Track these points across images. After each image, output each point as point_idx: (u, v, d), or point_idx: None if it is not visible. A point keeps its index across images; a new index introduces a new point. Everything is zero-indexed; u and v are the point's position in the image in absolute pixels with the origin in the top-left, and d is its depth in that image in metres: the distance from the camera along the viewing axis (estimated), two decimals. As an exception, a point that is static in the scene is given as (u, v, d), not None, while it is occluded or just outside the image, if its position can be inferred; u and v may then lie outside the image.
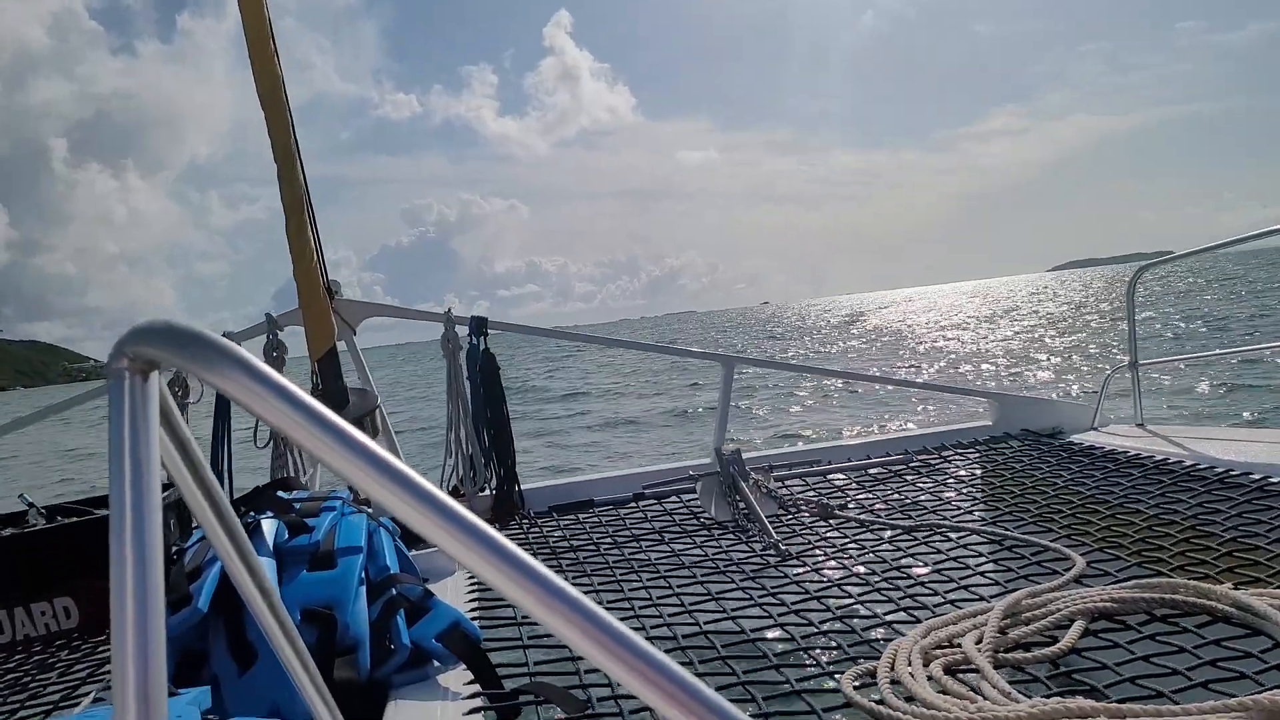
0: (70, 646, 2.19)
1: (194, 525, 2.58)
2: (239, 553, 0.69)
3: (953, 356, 23.06)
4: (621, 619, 1.84)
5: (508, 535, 2.74)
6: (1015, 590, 1.76)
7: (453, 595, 2.12)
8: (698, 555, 2.34)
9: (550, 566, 2.25)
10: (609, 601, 2.01)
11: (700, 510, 2.77)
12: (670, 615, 1.91)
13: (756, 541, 2.41)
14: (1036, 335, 27.08)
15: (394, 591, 1.72)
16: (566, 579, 1.96)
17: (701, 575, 2.17)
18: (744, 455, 2.91)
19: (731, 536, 2.50)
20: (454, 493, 3.21)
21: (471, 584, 2.21)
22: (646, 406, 17.87)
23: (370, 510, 2.09)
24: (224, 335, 3.14)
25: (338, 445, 0.49)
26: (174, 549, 1.87)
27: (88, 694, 1.84)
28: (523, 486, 3.16)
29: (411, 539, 2.67)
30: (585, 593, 2.00)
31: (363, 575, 1.76)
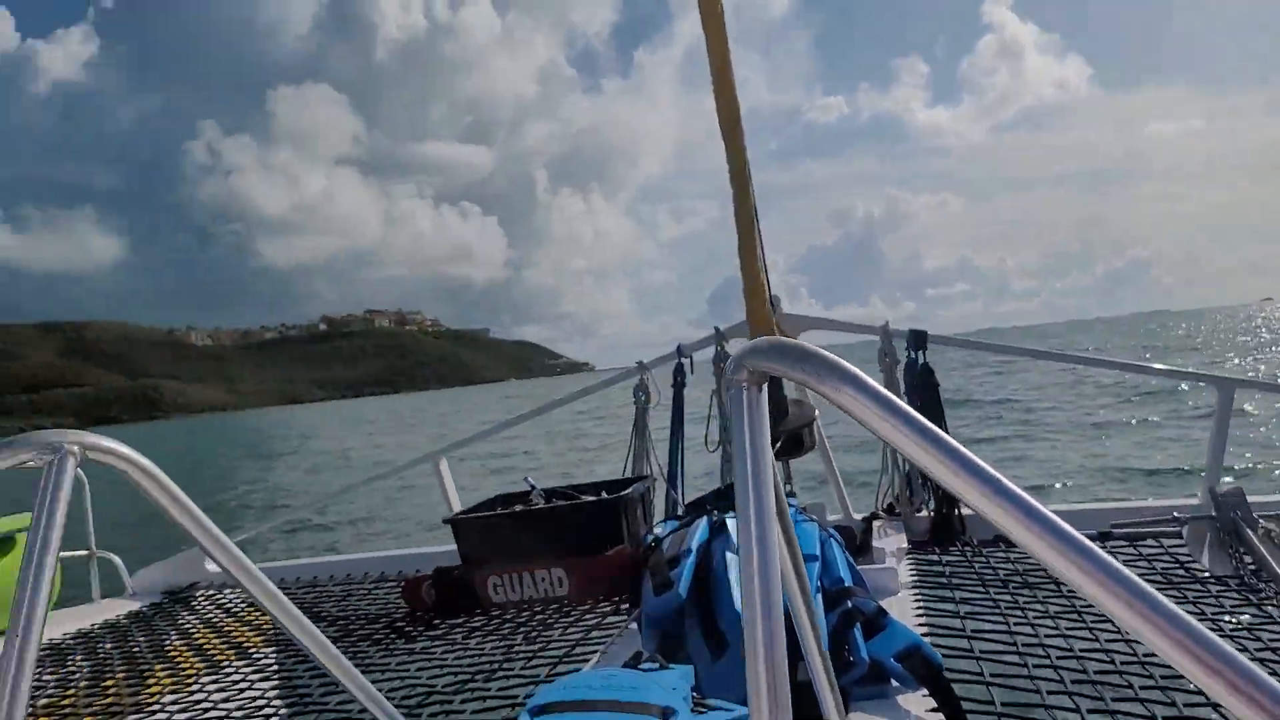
0: (563, 612, 2.57)
1: (664, 516, 2.88)
2: (791, 554, 0.75)
3: None
4: (1075, 680, 1.64)
5: (949, 560, 2.63)
6: None
7: (898, 616, 2.08)
8: (1192, 612, 2.01)
9: (1003, 600, 2.10)
10: (1080, 649, 1.81)
11: (1188, 560, 2.38)
12: (1141, 689, 1.65)
13: (1273, 606, 2.00)
14: None
15: (850, 604, 1.74)
16: (1025, 617, 1.81)
17: None
18: (1250, 499, 2.44)
19: (1235, 596, 2.11)
20: (889, 510, 3.17)
21: (919, 607, 2.16)
22: (1109, 431, 15.87)
23: (819, 520, 2.14)
24: (679, 347, 3.46)
25: (949, 461, 0.51)
26: (650, 537, 2.10)
27: (584, 654, 2.14)
28: (964, 510, 3.00)
29: (854, 554, 2.69)
30: (1050, 636, 1.83)
31: (818, 584, 1.81)
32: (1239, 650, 1.69)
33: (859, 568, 2.14)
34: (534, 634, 2.38)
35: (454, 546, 2.90)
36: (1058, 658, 1.72)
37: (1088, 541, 0.50)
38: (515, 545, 2.72)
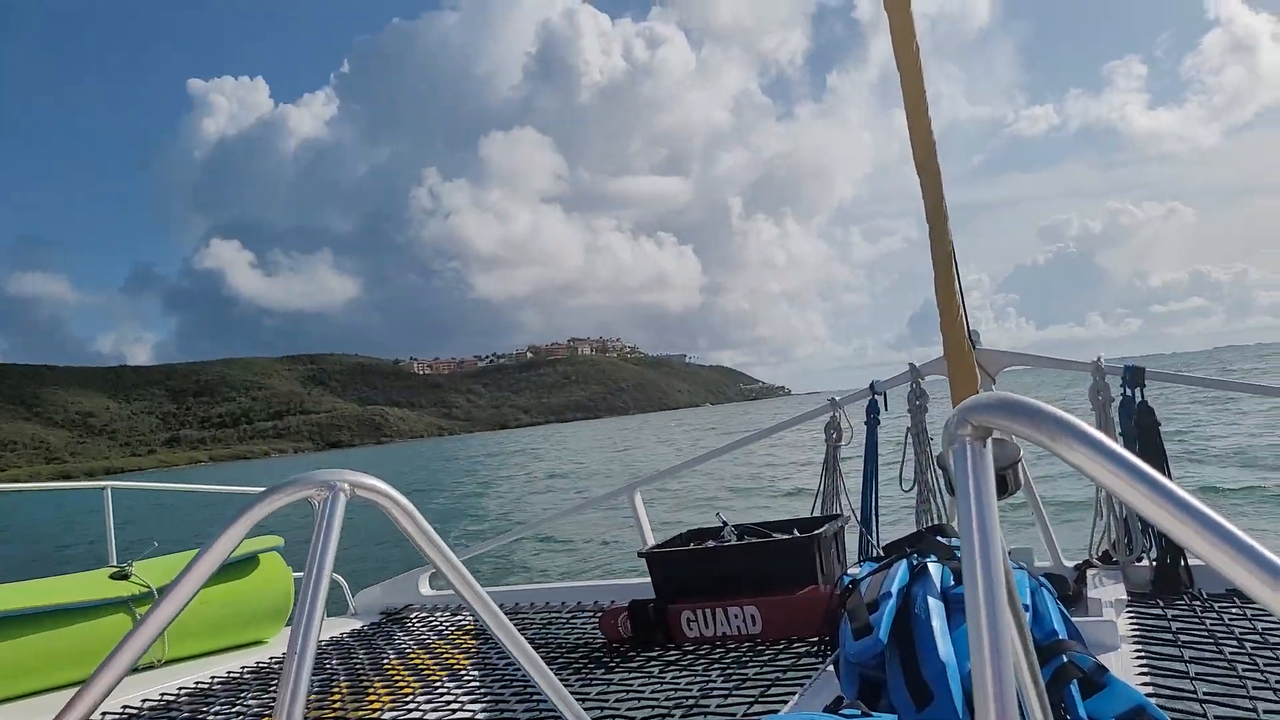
0: (755, 650, 2.59)
1: (859, 559, 2.85)
2: (1012, 608, 0.76)
3: None
4: None
5: (1175, 616, 2.42)
6: None
7: (1117, 674, 1.95)
8: None
9: (1240, 662, 1.92)
10: None
11: None
12: None
13: None
14: None
15: (1065, 658, 1.66)
16: (1263, 683, 1.66)
17: None
18: None
19: None
20: (1104, 558, 2.96)
21: (1141, 664, 2.01)
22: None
23: (1027, 568, 2.05)
24: (872, 384, 3.41)
25: (1195, 524, 0.51)
26: (848, 578, 2.09)
27: (779, 695, 2.15)
28: (1192, 560, 2.75)
29: (1065, 604, 2.53)
30: None
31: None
32: None
33: (1073, 620, 2.03)
34: (729, 671, 2.41)
35: (649, 579, 3.00)
36: None
37: None
38: (709, 581, 2.78)
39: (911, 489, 3.23)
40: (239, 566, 3.41)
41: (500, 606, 3.80)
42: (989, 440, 0.63)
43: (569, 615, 3.38)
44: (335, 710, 2.51)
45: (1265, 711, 1.66)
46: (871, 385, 3.45)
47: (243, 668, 3.13)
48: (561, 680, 2.57)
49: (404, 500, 1.16)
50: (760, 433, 3.89)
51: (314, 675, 2.92)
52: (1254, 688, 1.79)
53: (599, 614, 3.00)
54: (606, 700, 2.29)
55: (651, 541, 3.30)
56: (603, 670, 2.61)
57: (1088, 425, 0.57)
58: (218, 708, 2.65)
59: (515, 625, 3.48)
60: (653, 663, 2.62)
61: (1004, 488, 3.04)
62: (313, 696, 2.66)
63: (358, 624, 3.63)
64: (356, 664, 2.99)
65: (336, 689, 2.71)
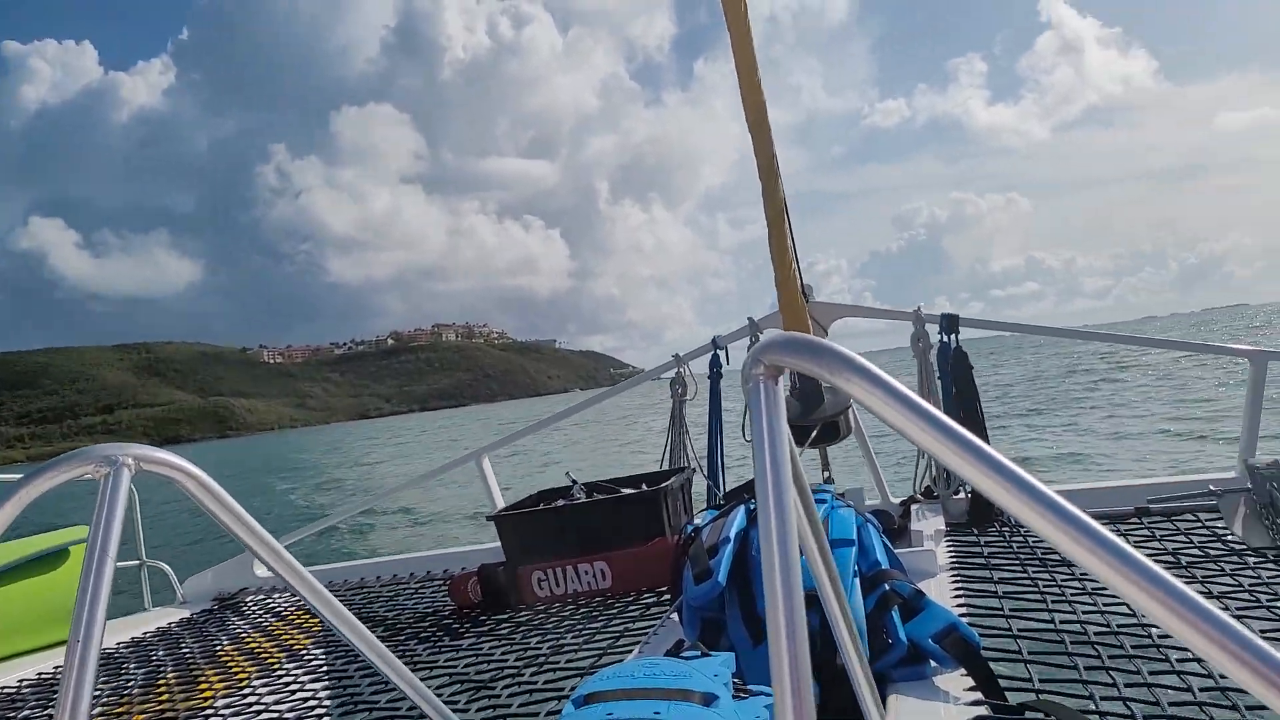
0: (606, 604, 2.64)
1: (706, 507, 2.93)
2: (816, 540, 0.80)
3: None
4: (1140, 648, 1.67)
5: (988, 541, 2.64)
6: None
7: (936, 598, 2.11)
8: (1228, 584, 2.02)
9: (1041, 579, 2.12)
10: (1118, 625, 1.83)
11: (1225, 533, 2.38)
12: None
13: (1313, 577, 2.00)
14: None
15: (887, 587, 1.77)
16: (1063, 594, 1.84)
17: (1237, 608, 1.87)
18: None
19: (1274, 567, 2.11)
20: (926, 493, 3.19)
21: (957, 589, 2.18)
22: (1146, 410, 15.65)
23: (855, 505, 2.17)
24: (714, 339, 3.51)
25: (953, 445, 0.55)
26: (690, 527, 2.14)
27: (627, 645, 2.20)
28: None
29: (892, 538, 2.71)
30: (1087, 613, 1.85)
31: (855, 568, 1.85)
32: (1274, 617, 1.71)
33: (896, 551, 2.17)
34: (579, 627, 2.44)
35: (498, 544, 2.98)
36: (1095, 634, 1.74)
37: (1094, 524, 0.52)
38: (558, 540, 2.79)
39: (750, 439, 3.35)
40: (46, 561, 3.12)
41: (345, 583, 3.66)
42: (780, 379, 0.65)
43: (418, 585, 3.32)
44: (162, 703, 2.35)
45: (1061, 622, 1.84)
46: (714, 340, 3.55)
47: (55, 668, 2.88)
48: (410, 650, 2.53)
49: (202, 474, 1.07)
50: (606, 391, 3.93)
51: (138, 669, 2.72)
52: (1052, 601, 1.98)
53: (448, 582, 2.96)
54: (455, 666, 2.27)
55: (501, 505, 3.28)
56: (452, 637, 2.58)
57: (868, 361, 0.60)
58: (25, 712, 2.43)
59: (363, 600, 3.36)
60: (504, 625, 2.61)
61: (836, 432, 3.22)
62: (136, 691, 2.48)
63: (186, 613, 3.42)
64: (186, 654, 2.81)
65: (163, 681, 2.54)
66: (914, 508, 3.08)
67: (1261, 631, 1.73)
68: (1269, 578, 2.05)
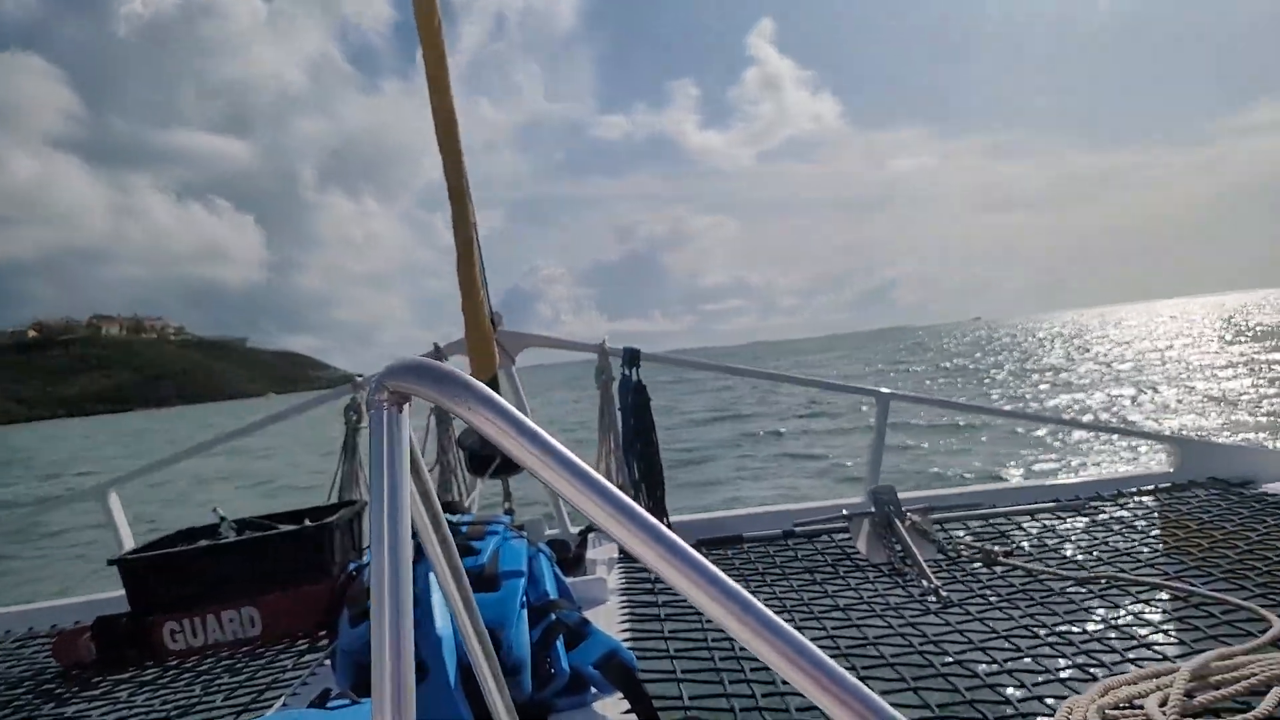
0: (254, 654, 2.36)
1: (367, 545, 2.74)
2: (451, 569, 0.74)
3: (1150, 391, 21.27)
4: None
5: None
6: (1203, 651, 1.61)
7: (605, 624, 2.15)
8: (851, 598, 2.27)
9: None
10: None
11: (854, 551, 2.69)
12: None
13: (914, 586, 2.32)
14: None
15: (554, 617, 1.76)
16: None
17: (857, 619, 2.10)
18: (901, 495, 2.81)
19: (888, 580, 2.41)
20: (604, 522, 3.27)
21: (624, 613, 2.24)
22: (808, 439, 17.60)
23: (528, 536, 2.15)
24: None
25: (572, 478, 0.54)
26: (353, 565, 1.98)
27: (272, 698, 1.97)
28: (671, 520, 3.17)
29: (568, 566, 2.72)
30: None
31: (524, 599, 1.81)
32: (885, 626, 1.93)
33: (570, 580, 2.18)
34: (219, 680, 2.16)
35: (124, 592, 2.56)
36: (740, 649, 1.86)
37: (693, 551, 0.55)
38: (198, 585, 2.45)
39: (434, 468, 3.23)
40: None
41: None
42: (406, 406, 0.62)
43: (15, 645, 2.76)
44: None
45: (712, 640, 1.95)
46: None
47: None
48: None
49: None
50: (270, 418, 3.58)
51: None
52: (705, 621, 2.09)
53: (54, 639, 2.48)
54: None
55: (130, 546, 2.83)
56: (54, 704, 2.16)
57: (491, 390, 0.60)
58: None
59: None
60: (123, 685, 2.23)
61: (514, 464, 3.20)
62: None
63: None
64: None
65: None
66: (590, 536, 3.14)
67: (877, 637, 1.95)
68: (884, 589, 2.33)
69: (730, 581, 0.52)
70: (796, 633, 0.50)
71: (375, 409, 0.61)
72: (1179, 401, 18.92)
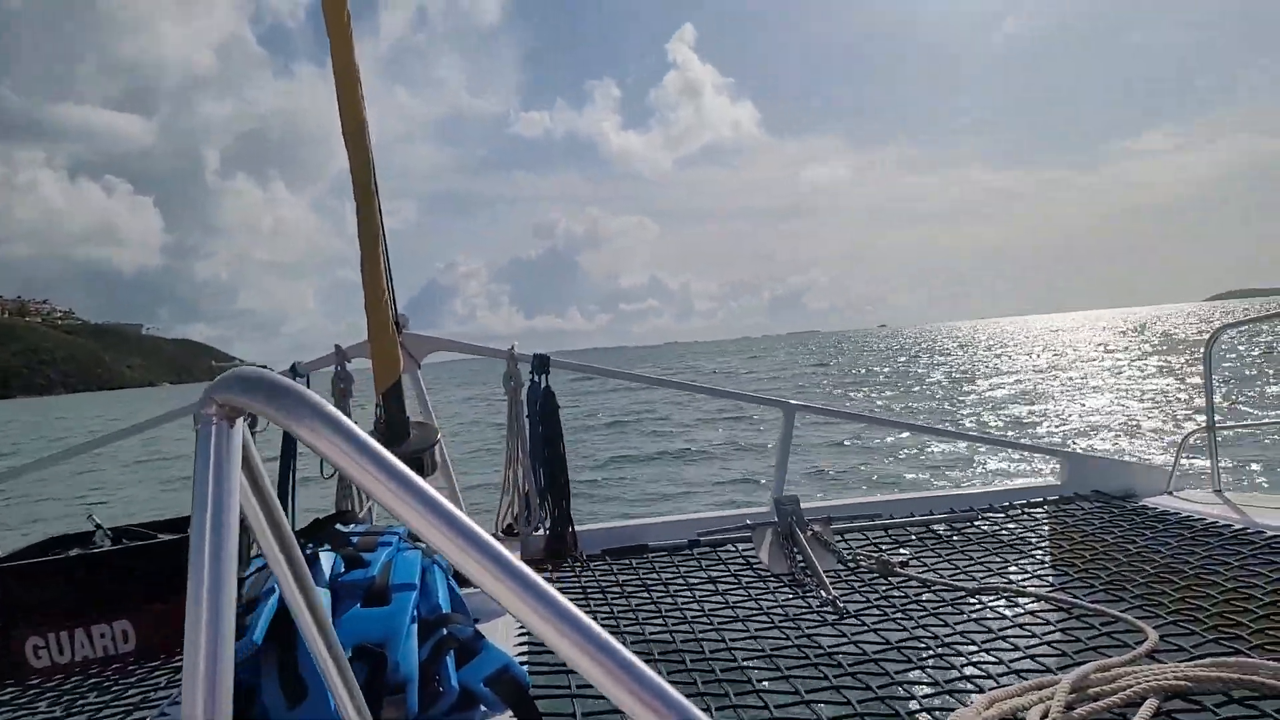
0: (125, 671, 2.22)
1: (253, 554, 2.62)
2: (300, 586, 0.70)
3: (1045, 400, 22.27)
4: (672, 671, 1.80)
5: (559, 576, 2.72)
6: (1084, 663, 1.67)
7: (502, 637, 2.10)
8: (752, 608, 2.28)
9: (601, 612, 2.22)
10: (660, 652, 1.96)
11: (757, 561, 2.70)
12: (722, 671, 1.85)
13: (813, 597, 2.34)
14: (1146, 378, 26.12)
15: (445, 631, 1.71)
16: (617, 625, 1.94)
17: (756, 630, 2.11)
18: (804, 505, 2.84)
19: (788, 591, 2.43)
20: (508, 531, 3.21)
21: (521, 628, 2.19)
22: (718, 446, 17.75)
23: (424, 547, 2.08)
24: (294, 365, 3.20)
25: (401, 491, 0.52)
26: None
27: (143, 719, 1.86)
28: (577, 528, 3.13)
29: (464, 578, 2.66)
30: (635, 641, 1.96)
31: (415, 613, 1.75)
32: (783, 637, 1.94)
33: (465, 592, 2.12)
34: (85, 700, 2.02)
35: None
36: None
37: (518, 563, 0.54)
38: (66, 597, 2.29)
39: (332, 476, 3.11)
40: None
41: None
42: (237, 421, 0.58)
43: None
44: None
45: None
46: (294, 367, 3.25)
47: None
48: None
49: None
50: (150, 421, 3.39)
51: None
52: (610, 630, 2.07)
53: None
54: None
55: None
56: None
57: (328, 404, 0.57)
58: None
59: None
60: None
61: (421, 470, 3.11)
62: None
63: None
64: None
65: None
66: (494, 546, 3.07)
67: (774, 649, 1.96)
68: (783, 600, 2.35)
69: (559, 597, 0.51)
70: (625, 650, 0.49)
71: (203, 424, 0.56)
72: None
